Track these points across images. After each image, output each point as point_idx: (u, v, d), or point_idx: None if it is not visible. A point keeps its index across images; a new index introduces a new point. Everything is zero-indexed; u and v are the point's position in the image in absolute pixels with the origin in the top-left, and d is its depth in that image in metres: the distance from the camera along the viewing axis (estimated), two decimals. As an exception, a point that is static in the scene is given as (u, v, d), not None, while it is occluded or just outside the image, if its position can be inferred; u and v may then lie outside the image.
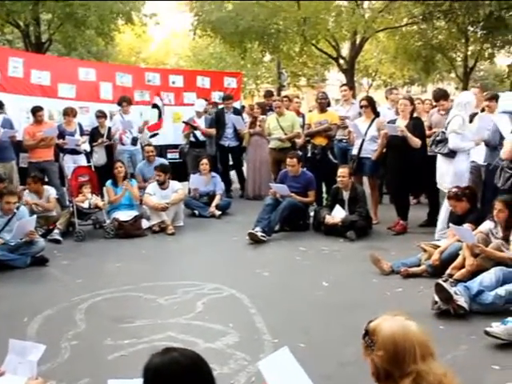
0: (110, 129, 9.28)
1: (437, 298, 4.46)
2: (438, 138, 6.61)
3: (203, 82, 11.32)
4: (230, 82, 11.70)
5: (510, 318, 3.99)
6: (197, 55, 30.62)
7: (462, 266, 5.08)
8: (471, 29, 18.67)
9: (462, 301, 4.34)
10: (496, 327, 3.90)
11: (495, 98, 6.84)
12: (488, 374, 3.54)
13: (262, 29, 17.89)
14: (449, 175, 6.53)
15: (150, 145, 9.13)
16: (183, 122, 10.17)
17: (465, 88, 19.54)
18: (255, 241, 6.86)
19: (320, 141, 8.43)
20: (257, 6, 17.33)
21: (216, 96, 11.30)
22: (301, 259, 6.27)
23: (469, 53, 21.28)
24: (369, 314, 4.52)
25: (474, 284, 4.47)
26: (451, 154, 6.48)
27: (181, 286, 5.27)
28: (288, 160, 7.73)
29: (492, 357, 3.75)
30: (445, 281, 5.11)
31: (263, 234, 6.93)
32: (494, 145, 6.21)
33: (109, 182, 7.97)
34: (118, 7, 16.56)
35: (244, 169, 10.42)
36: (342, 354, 3.73)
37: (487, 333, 3.88)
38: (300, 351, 3.76)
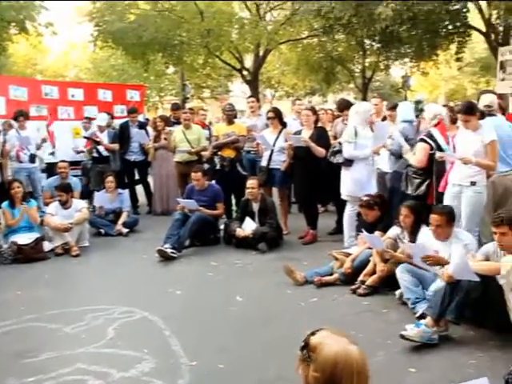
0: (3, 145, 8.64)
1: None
2: (335, 149, 6.69)
3: (105, 95, 10.94)
4: (133, 95, 11.42)
5: (422, 321, 4.12)
6: (97, 67, 29.67)
7: (374, 272, 5.21)
8: (368, 42, 19.57)
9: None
10: (410, 330, 4.01)
11: (396, 107, 7.09)
12: (406, 377, 3.61)
13: (165, 40, 17.74)
14: (348, 184, 6.64)
15: (64, 161, 8.62)
16: (85, 137, 9.74)
17: (364, 98, 20.42)
18: (165, 258, 6.64)
19: (228, 153, 8.36)
20: (159, 18, 17.14)
21: (118, 110, 10.95)
22: (213, 274, 6.14)
23: (366, 64, 22.36)
24: (285, 325, 4.52)
25: (412, 293, 4.63)
26: (347, 163, 6.57)
27: (89, 311, 4.95)
28: (192, 175, 7.61)
29: (408, 360, 3.83)
30: (357, 288, 5.22)
31: (173, 251, 6.73)
32: (399, 153, 6.42)
33: (5, 204, 7.41)
34: (10, 15, 15.60)
35: (150, 184, 10.14)
36: (263, 370, 3.64)
37: (402, 336, 3.98)
38: (219, 372, 3.65)
